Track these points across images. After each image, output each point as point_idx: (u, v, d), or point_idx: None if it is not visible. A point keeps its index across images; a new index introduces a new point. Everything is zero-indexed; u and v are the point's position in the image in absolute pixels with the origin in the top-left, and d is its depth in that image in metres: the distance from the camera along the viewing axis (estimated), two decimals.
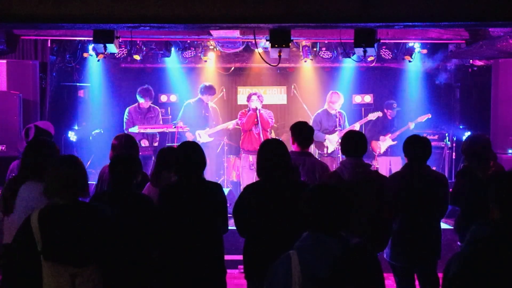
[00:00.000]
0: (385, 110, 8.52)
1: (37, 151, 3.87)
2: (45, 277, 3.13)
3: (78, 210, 3.13)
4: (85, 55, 8.61)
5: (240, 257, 3.91)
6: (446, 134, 8.69)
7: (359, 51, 5.91)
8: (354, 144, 4.10)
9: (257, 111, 7.74)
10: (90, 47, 8.28)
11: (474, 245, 2.37)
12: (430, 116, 8.44)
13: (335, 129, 7.94)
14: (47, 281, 3.13)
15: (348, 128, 7.92)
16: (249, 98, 7.95)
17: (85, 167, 3.27)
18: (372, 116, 8.27)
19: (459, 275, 2.35)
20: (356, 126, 8.08)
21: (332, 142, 7.99)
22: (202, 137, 8.19)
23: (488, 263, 2.31)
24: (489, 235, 2.35)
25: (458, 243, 4.60)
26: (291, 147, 4.56)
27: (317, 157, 7.91)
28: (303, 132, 4.62)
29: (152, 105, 8.25)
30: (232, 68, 10.02)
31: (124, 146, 4.66)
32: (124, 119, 8.08)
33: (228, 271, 3.97)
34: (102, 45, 5.86)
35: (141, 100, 8.05)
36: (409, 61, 8.58)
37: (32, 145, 4.00)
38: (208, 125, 8.36)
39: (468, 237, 2.42)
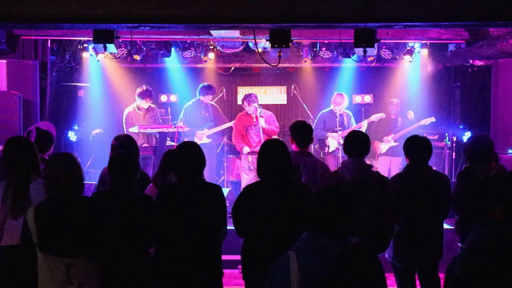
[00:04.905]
0: (388, 107, 8.56)
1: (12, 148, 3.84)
2: (40, 268, 3.20)
3: (73, 204, 3.22)
4: (85, 55, 8.61)
5: (239, 257, 3.90)
6: (446, 134, 8.67)
7: (359, 51, 5.91)
8: (357, 144, 4.08)
9: (257, 113, 7.78)
10: (90, 47, 8.27)
11: (477, 245, 2.36)
12: (434, 120, 8.41)
13: (335, 129, 7.97)
14: (42, 272, 3.20)
15: (354, 126, 7.96)
16: (249, 102, 7.86)
17: (80, 164, 3.37)
18: (375, 117, 8.28)
19: (462, 276, 2.34)
20: (364, 124, 8.10)
21: (333, 141, 8.03)
22: (202, 138, 8.19)
23: (491, 263, 2.30)
24: (491, 235, 2.34)
25: (459, 244, 4.58)
26: (291, 147, 4.55)
27: (320, 156, 8.04)
28: (302, 132, 4.59)
29: (150, 104, 8.18)
30: (232, 68, 10.00)
31: (124, 146, 4.66)
32: (124, 122, 7.99)
33: (228, 271, 3.96)
34: (102, 45, 5.86)
35: (140, 102, 7.86)
36: (409, 61, 8.58)
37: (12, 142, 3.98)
38: (207, 125, 8.35)
39: (470, 237, 2.41)
